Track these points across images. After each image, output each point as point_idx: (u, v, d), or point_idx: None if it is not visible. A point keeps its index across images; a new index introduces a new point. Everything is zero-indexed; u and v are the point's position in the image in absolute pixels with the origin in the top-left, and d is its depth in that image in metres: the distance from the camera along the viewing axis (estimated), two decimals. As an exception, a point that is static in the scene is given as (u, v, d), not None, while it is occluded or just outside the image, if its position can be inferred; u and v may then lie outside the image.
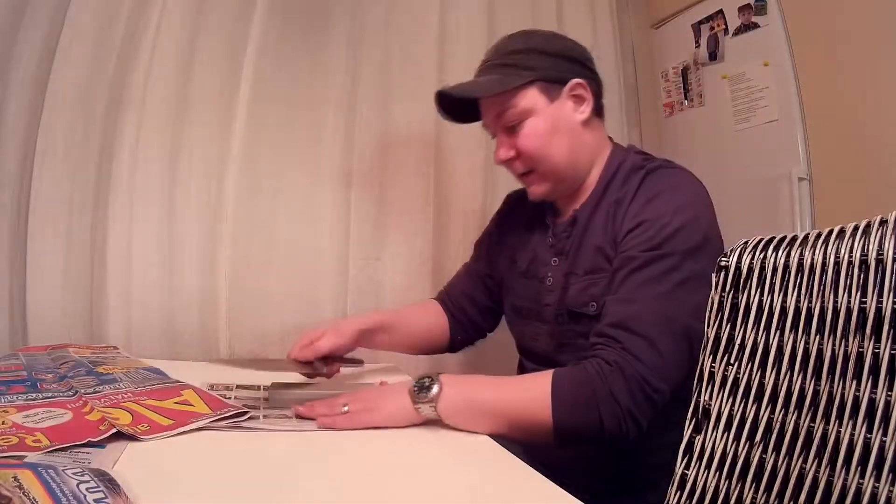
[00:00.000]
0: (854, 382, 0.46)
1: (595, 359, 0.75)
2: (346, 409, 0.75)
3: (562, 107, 0.91)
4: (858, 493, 0.45)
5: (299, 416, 0.76)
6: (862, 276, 0.47)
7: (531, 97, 0.90)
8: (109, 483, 0.45)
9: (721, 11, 1.41)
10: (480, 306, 1.10)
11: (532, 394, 0.75)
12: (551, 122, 0.90)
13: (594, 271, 0.86)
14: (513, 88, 0.89)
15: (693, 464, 0.58)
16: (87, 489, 0.43)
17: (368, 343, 1.04)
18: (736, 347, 0.57)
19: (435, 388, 0.74)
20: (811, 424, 0.50)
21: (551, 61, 0.91)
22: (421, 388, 0.75)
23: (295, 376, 0.97)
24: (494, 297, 1.08)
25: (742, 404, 0.55)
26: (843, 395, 0.47)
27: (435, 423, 0.76)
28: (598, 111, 0.94)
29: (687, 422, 0.59)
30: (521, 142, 0.91)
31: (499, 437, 0.74)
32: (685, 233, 0.79)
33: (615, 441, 0.73)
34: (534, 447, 0.94)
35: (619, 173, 0.90)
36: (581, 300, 0.87)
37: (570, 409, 0.73)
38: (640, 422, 0.73)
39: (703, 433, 0.58)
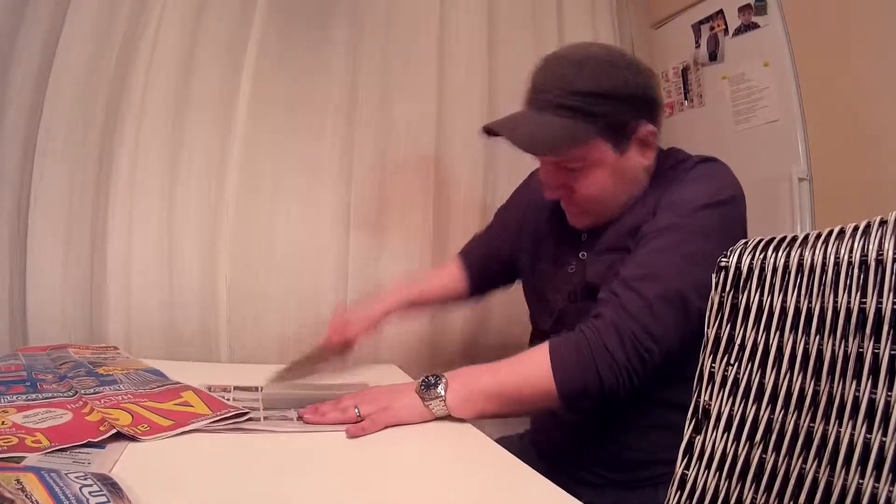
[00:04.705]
0: (854, 382, 0.46)
1: (590, 320, 0.77)
2: (357, 411, 0.75)
3: (628, 157, 0.85)
4: (858, 493, 0.45)
5: (308, 423, 0.75)
6: (862, 276, 0.47)
7: (598, 149, 0.83)
8: (112, 487, 0.45)
9: (721, 11, 1.41)
10: (498, 268, 1.13)
11: (532, 365, 0.77)
12: (615, 173, 0.85)
13: (619, 249, 0.85)
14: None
15: (693, 464, 0.58)
16: (89, 493, 0.43)
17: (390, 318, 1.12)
18: (736, 347, 0.57)
19: (441, 385, 0.77)
20: (811, 424, 0.50)
21: (624, 107, 0.82)
22: (428, 387, 0.77)
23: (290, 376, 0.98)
24: (510, 263, 1.10)
25: (742, 404, 0.55)
26: (843, 395, 0.47)
27: (435, 423, 0.76)
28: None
29: (687, 422, 0.59)
30: (579, 189, 0.86)
31: (510, 437, 0.74)
32: (707, 212, 0.80)
33: (613, 396, 0.75)
34: (540, 442, 0.94)
35: (664, 173, 0.88)
36: (605, 277, 0.85)
37: (569, 370, 0.75)
38: (633, 377, 0.75)
39: (703, 433, 0.58)
